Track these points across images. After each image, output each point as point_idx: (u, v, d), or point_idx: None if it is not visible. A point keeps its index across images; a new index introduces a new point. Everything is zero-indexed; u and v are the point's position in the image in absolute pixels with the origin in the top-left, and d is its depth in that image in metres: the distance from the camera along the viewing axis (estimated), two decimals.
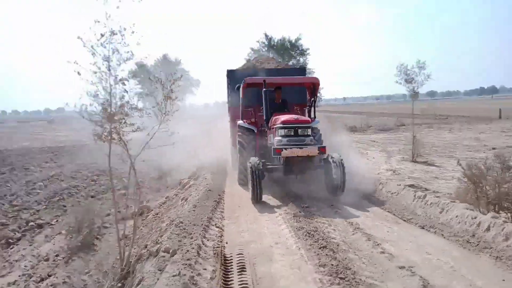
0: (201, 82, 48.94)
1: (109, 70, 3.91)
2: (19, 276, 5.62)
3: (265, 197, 7.61)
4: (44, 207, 10.01)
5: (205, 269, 3.50)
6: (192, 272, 3.30)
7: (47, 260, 6.02)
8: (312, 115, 9.72)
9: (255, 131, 9.34)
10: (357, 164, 9.72)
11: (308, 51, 34.87)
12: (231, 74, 12.04)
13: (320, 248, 4.23)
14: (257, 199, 7.28)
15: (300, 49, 33.86)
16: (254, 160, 7.63)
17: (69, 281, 5.01)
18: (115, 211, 4.46)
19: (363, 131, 23.99)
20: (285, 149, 7.62)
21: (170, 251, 3.78)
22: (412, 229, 5.54)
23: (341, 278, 3.48)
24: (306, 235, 4.73)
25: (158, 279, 3.24)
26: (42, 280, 5.30)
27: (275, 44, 33.28)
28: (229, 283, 3.30)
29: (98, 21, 3.70)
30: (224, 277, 3.44)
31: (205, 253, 3.90)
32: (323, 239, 4.58)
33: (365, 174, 9.04)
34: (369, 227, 5.53)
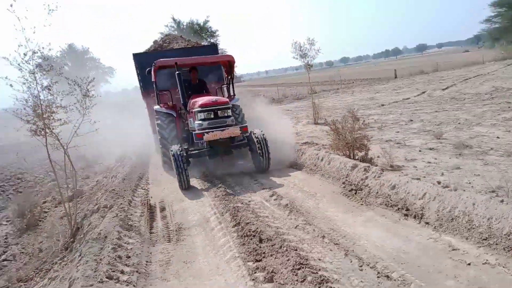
0: (115, 70, 47.44)
1: (35, 80, 5.16)
2: None
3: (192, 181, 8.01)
4: None
5: (136, 212, 5.13)
6: (126, 214, 4.90)
7: None
8: (232, 93, 10.07)
9: (174, 115, 9.29)
10: (270, 131, 11.51)
11: (217, 33, 36.44)
12: (138, 57, 11.67)
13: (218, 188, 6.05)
14: (184, 187, 7.33)
15: (209, 31, 35.32)
16: (176, 148, 7.58)
17: (25, 251, 6.27)
18: (57, 185, 5.73)
19: (280, 102, 26.47)
20: (207, 133, 7.67)
21: (108, 205, 5.32)
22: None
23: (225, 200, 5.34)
24: (208, 182, 6.53)
25: (101, 222, 4.79)
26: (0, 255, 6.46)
27: (184, 27, 34.25)
28: (154, 217, 4.97)
29: (21, 45, 4.94)
30: (149, 215, 5.10)
31: (134, 204, 5.51)
32: (224, 189, 6.44)
33: (276, 138, 10.78)
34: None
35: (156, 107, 9.47)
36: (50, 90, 5.26)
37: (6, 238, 7.26)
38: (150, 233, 4.62)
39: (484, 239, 3.50)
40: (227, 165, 8.76)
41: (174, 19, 35.18)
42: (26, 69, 5.07)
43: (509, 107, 12.48)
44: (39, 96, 5.20)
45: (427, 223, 4.13)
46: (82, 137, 5.90)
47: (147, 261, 3.93)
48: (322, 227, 4.37)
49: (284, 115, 18.75)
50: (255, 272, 3.25)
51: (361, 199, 5.22)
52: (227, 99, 8.65)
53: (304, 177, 7.51)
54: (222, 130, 7.76)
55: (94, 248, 3.81)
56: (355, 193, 5.53)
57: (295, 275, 2.97)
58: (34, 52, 5.03)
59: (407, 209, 4.38)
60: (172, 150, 7.54)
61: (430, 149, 8.56)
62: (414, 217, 4.32)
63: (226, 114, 8.08)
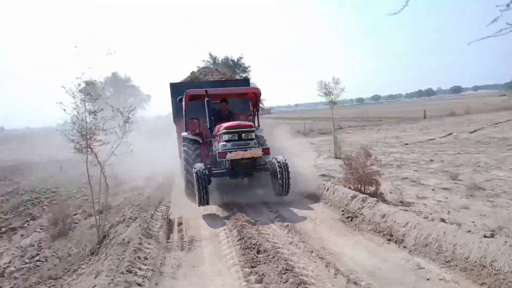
0: (151, 97, 50.76)
1: (85, 106, 6.09)
2: (11, 259, 7.52)
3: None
4: (12, 215, 11.63)
5: (156, 224, 5.82)
6: (147, 225, 5.60)
7: (32, 246, 7.96)
8: (256, 124, 10.37)
9: (200, 142, 9.63)
10: (291, 162, 12.09)
11: (249, 68, 38.81)
12: (174, 87, 12.32)
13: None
14: (203, 203, 7.53)
15: (242, 66, 37.69)
16: (199, 165, 7.87)
17: (56, 255, 7.04)
18: (92, 196, 6.52)
19: (306, 135, 27.07)
20: (230, 152, 8.00)
21: (133, 217, 6.04)
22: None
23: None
24: (226, 206, 7.16)
25: (126, 230, 5.49)
26: (33, 257, 7.26)
27: (219, 62, 36.64)
28: (171, 229, 5.63)
29: (78, 77, 5.92)
30: (168, 228, 5.77)
31: (156, 218, 6.21)
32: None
33: (296, 169, 11.27)
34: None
35: (184, 133, 9.92)
36: (96, 115, 6.15)
37: (39, 243, 8.11)
38: (167, 242, 5.31)
39: (447, 261, 4.08)
40: (246, 194, 9.10)
41: (211, 55, 37.74)
42: (78, 97, 6.01)
43: None
44: (86, 119, 6.08)
45: (404, 247, 4.74)
46: (118, 157, 6.70)
47: (161, 263, 4.61)
48: (313, 245, 4.97)
49: (307, 148, 19.30)
50: (249, 275, 3.84)
51: (355, 225, 5.79)
52: (251, 123, 9.08)
53: (310, 203, 8.04)
54: (244, 150, 8.08)
55: (118, 250, 4.50)
56: (351, 220, 6.06)
57: (280, 278, 3.52)
58: (87, 84, 5.98)
59: (391, 235, 4.96)
60: (195, 168, 7.79)
61: (444, 188, 8.83)
62: (396, 242, 4.93)
63: (249, 137, 8.46)
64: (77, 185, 15.60)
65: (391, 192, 8.37)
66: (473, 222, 5.88)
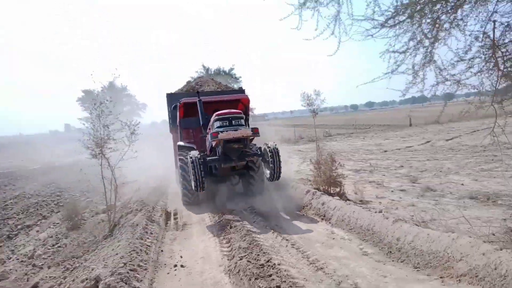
0: (147, 106, 53.02)
1: (99, 120, 7.90)
2: (34, 247, 9.30)
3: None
4: (24, 215, 13.38)
5: (157, 214, 7.69)
6: (150, 214, 7.46)
7: (51, 237, 9.75)
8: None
9: (195, 149, 10.04)
10: None
11: (240, 78, 41.21)
12: (170, 96, 12.92)
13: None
14: (199, 189, 8.14)
15: (233, 77, 40.07)
16: (194, 152, 8.52)
17: (73, 243, 8.84)
18: (104, 192, 8.31)
19: (295, 142, 29.01)
20: (221, 132, 8.58)
21: (138, 209, 7.91)
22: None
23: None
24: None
25: (134, 218, 7.36)
26: (54, 245, 9.05)
27: (212, 73, 38.95)
28: (169, 217, 7.50)
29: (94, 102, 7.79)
30: (166, 217, 7.64)
31: (156, 210, 8.09)
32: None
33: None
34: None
35: (180, 142, 10.69)
36: (108, 127, 7.97)
37: (57, 235, 9.90)
38: (165, 225, 7.21)
39: (350, 229, 6.45)
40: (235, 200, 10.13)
41: (203, 66, 40.23)
42: (94, 113, 7.86)
43: (492, 160, 14.35)
44: (101, 131, 7.92)
45: (330, 222, 7.12)
46: (125, 161, 8.49)
47: (162, 237, 6.60)
48: (270, 222, 7.47)
49: (294, 155, 21.18)
50: (222, 242, 5.78)
51: (304, 211, 8.03)
52: (240, 111, 9.77)
53: (278, 197, 9.88)
54: (235, 130, 8.69)
55: (130, 229, 6.34)
56: (303, 208, 8.14)
57: (243, 239, 5.43)
58: (101, 103, 7.83)
59: (324, 216, 7.12)
60: (190, 155, 8.43)
61: (401, 190, 10.67)
62: (326, 220, 7.31)
63: (239, 122, 9.10)
64: (78, 189, 17.36)
65: (356, 193, 10.22)
66: (412, 216, 7.66)
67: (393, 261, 5.18)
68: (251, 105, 12.47)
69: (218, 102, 11.06)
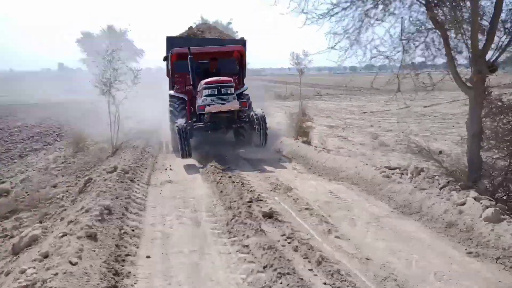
0: (144, 52, 54.13)
1: (110, 64, 9.77)
2: (45, 164, 11.47)
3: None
4: (30, 141, 15.47)
5: (152, 141, 9.85)
6: (147, 141, 9.60)
7: (59, 157, 11.91)
8: (242, 83, 11.57)
9: (186, 99, 10.44)
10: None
11: (237, 33, 41.97)
12: (171, 40, 12.41)
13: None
14: (185, 156, 8.52)
15: (231, 30, 40.91)
16: (180, 121, 8.79)
17: (80, 161, 11.00)
18: (110, 124, 10.35)
19: (285, 99, 30.95)
20: (208, 105, 8.88)
21: (137, 137, 10.03)
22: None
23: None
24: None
25: (134, 143, 9.48)
26: (63, 162, 11.22)
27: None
28: (161, 145, 9.69)
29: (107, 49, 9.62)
30: (159, 144, 9.80)
31: (152, 138, 10.24)
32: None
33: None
34: None
35: (171, 91, 10.90)
36: (117, 71, 9.83)
37: (65, 156, 12.05)
38: (159, 149, 9.43)
39: (295, 158, 8.46)
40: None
41: (202, 18, 40.85)
42: (106, 58, 9.71)
43: (453, 126, 16.43)
44: (110, 72, 9.79)
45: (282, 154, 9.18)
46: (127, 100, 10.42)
47: (156, 155, 8.77)
48: (255, 166, 8.84)
49: (280, 110, 23.21)
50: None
51: (281, 154, 9.85)
52: (230, 79, 9.80)
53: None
54: (223, 104, 8.97)
55: (132, 149, 8.47)
56: (278, 151, 10.17)
57: (229, 179, 6.97)
58: (113, 50, 9.66)
59: (292, 156, 9.26)
60: (177, 123, 8.75)
61: (361, 144, 12.79)
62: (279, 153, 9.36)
63: (228, 92, 9.28)
64: (77, 124, 19.34)
65: (321, 144, 12.34)
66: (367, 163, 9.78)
67: (308, 172, 7.84)
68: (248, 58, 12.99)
69: (213, 53, 11.10)
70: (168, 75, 11.95)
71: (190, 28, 16.93)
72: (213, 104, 9.01)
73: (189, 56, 9.88)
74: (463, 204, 4.47)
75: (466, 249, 3.95)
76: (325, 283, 3.29)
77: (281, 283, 3.17)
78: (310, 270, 3.54)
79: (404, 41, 6.37)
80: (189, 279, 3.53)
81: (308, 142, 11.79)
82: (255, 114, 9.28)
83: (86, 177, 7.27)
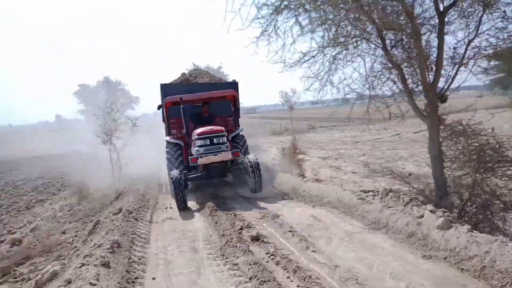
0: (140, 99, 56.53)
1: (110, 116, 10.83)
2: (52, 213, 12.26)
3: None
4: (35, 193, 16.30)
5: (152, 184, 10.71)
6: (148, 184, 10.48)
7: (65, 205, 12.73)
8: (236, 125, 12.10)
9: (182, 145, 10.79)
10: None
11: (228, 75, 44.01)
12: (164, 87, 12.80)
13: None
14: (181, 207, 8.62)
15: (222, 75, 43.05)
16: (175, 172, 8.92)
17: (85, 208, 11.80)
18: (112, 170, 11.27)
19: (279, 134, 32.06)
20: (201, 157, 9.19)
21: (138, 182, 10.92)
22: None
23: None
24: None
25: (135, 187, 10.37)
26: (69, 210, 12.03)
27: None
28: (162, 187, 10.52)
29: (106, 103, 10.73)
30: (159, 186, 10.66)
31: (152, 181, 11.11)
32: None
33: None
34: None
35: (167, 138, 11.28)
36: (116, 121, 10.88)
37: (70, 205, 12.87)
38: (159, 191, 10.23)
39: (285, 189, 9.41)
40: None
41: (194, 64, 43.04)
42: (106, 110, 10.78)
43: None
44: (110, 124, 10.82)
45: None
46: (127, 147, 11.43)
47: (157, 197, 9.54)
48: (246, 197, 9.70)
49: (275, 145, 24.20)
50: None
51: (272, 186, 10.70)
52: (222, 128, 10.16)
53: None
54: (215, 155, 9.31)
55: (133, 192, 9.34)
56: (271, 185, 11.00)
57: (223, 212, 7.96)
58: (111, 103, 10.74)
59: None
60: (171, 174, 8.94)
61: (353, 172, 13.66)
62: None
63: (221, 141, 9.61)
64: (79, 174, 20.23)
65: (315, 174, 13.19)
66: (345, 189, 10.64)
67: (296, 201, 8.73)
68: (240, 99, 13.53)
69: (206, 98, 11.40)
70: (164, 121, 12.20)
71: (183, 74, 17.72)
72: (206, 156, 9.33)
73: (182, 106, 10.27)
74: (422, 216, 5.30)
75: (421, 253, 4.75)
76: (298, 286, 4.08)
77: None
78: (288, 277, 4.32)
79: (370, 79, 7.41)
80: None
81: (302, 175, 12.66)
82: (249, 161, 9.45)
83: (95, 220, 8.09)
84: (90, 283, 4.09)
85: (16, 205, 14.34)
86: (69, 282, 4.34)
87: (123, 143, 11.11)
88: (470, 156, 6.58)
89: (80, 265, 4.78)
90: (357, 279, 4.17)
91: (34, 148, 34.77)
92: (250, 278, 4.31)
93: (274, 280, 4.13)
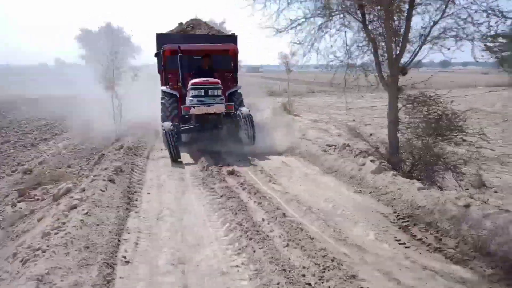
0: (141, 49, 56.80)
1: (113, 63, 12.18)
2: (56, 150, 13.90)
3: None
4: (38, 132, 17.89)
5: (149, 129, 12.29)
6: (146, 130, 12.06)
7: (69, 144, 14.36)
8: (235, 81, 12.00)
9: (178, 96, 10.80)
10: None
11: (231, 33, 43.99)
12: (160, 38, 12.64)
13: None
14: (175, 159, 8.76)
15: (225, 30, 43.24)
16: (166, 124, 9.05)
17: (88, 147, 13.41)
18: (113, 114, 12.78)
19: (278, 95, 33.34)
20: (194, 107, 9.27)
21: (137, 126, 12.47)
22: None
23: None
24: None
25: (134, 131, 11.95)
26: (73, 149, 13.66)
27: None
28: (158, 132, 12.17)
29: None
30: (156, 131, 12.24)
31: (149, 127, 12.71)
32: None
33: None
34: None
35: (163, 87, 11.40)
36: (119, 69, 12.24)
37: (73, 144, 14.48)
38: (155, 136, 11.98)
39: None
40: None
41: (197, 17, 43.05)
42: (110, 57, 12.11)
43: None
44: (113, 68, 12.19)
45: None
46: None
47: (153, 140, 11.17)
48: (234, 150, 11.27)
49: (272, 105, 25.60)
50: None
51: None
52: (218, 80, 10.15)
53: None
54: (208, 106, 9.41)
55: (132, 136, 10.95)
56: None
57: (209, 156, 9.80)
58: (115, 52, 12.05)
59: None
60: (163, 126, 9.10)
61: (338, 135, 15.14)
62: None
63: (215, 93, 9.69)
64: (79, 117, 21.71)
65: (302, 135, 14.68)
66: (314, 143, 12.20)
67: (292, 156, 9.89)
68: (240, 56, 13.55)
69: (206, 50, 11.37)
70: (159, 71, 12.25)
71: (180, 24, 17.20)
72: (198, 106, 9.42)
73: (179, 55, 10.33)
74: (363, 164, 6.90)
75: (354, 189, 6.41)
76: (255, 201, 5.73)
77: (230, 202, 5.60)
78: (249, 197, 5.98)
79: (350, 49, 8.77)
80: (174, 203, 5.97)
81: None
82: (241, 114, 9.62)
83: (99, 154, 9.71)
84: (101, 189, 5.72)
85: (22, 142, 16.00)
86: (84, 190, 5.94)
87: (123, 91, 12.49)
88: (429, 124, 8.00)
89: (92, 180, 6.40)
90: (298, 201, 5.82)
91: (35, 90, 35.73)
92: (221, 196, 5.95)
93: (238, 197, 5.78)
